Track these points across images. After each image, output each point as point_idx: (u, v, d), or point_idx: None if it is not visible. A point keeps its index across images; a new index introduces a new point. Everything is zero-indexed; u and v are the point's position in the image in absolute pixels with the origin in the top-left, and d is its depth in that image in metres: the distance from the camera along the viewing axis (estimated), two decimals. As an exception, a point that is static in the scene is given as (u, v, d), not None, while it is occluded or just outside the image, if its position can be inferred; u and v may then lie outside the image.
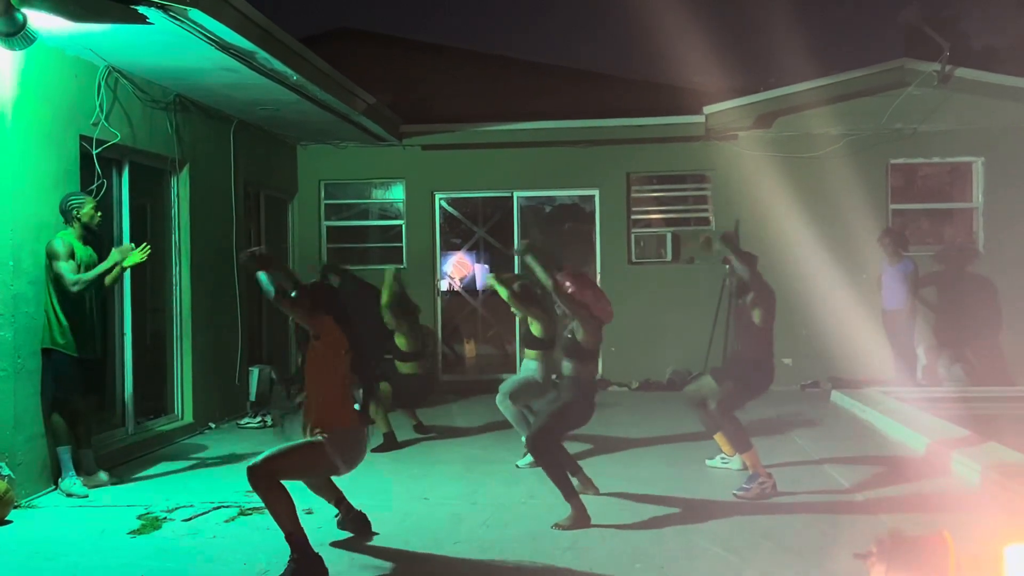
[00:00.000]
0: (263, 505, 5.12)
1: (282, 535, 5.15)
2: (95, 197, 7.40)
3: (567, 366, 6.32)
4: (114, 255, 7.05)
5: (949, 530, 2.88)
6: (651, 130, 12.49)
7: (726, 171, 12.27)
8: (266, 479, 5.08)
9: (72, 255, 6.82)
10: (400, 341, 8.95)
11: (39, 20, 6.25)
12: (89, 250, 7.01)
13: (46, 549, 5.63)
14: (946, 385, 11.01)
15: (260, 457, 5.12)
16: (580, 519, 5.92)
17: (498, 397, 7.89)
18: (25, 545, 5.73)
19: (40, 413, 6.84)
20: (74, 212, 6.93)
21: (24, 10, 6.07)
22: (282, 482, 5.11)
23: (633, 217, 12.79)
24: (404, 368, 8.96)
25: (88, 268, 6.90)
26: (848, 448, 8.09)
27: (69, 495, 6.76)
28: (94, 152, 7.57)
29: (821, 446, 8.21)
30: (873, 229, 11.20)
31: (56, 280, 6.78)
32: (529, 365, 7.98)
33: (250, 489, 5.15)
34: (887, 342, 10.72)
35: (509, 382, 8.01)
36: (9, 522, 6.19)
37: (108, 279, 7.12)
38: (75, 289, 6.75)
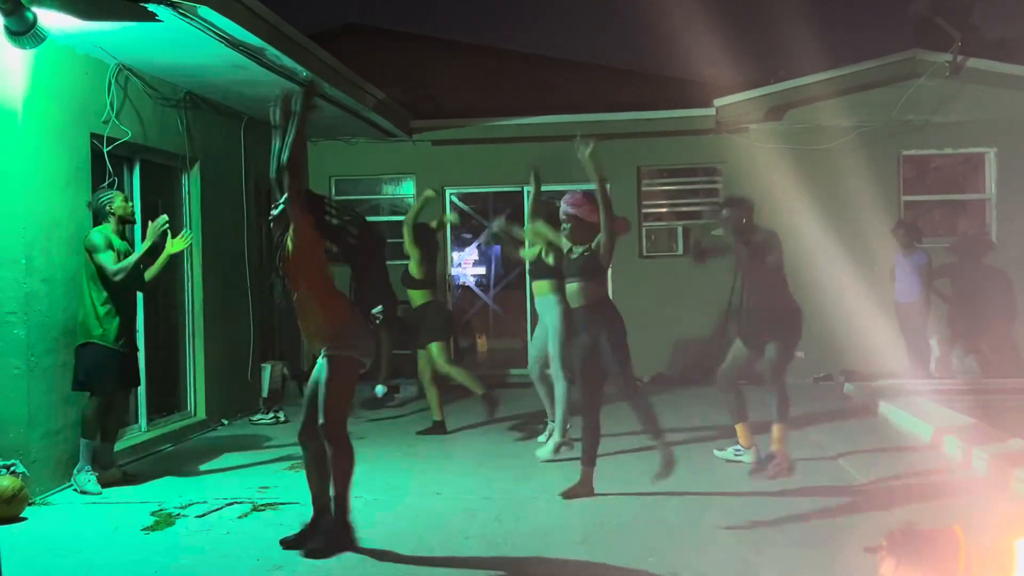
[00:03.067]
0: (274, 502, 5.14)
1: (295, 531, 5.17)
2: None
3: (587, 288, 6.39)
4: (149, 234, 7.07)
5: (960, 524, 2.87)
6: (661, 123, 12.46)
7: (737, 164, 12.23)
8: (341, 429, 5.33)
9: (111, 245, 6.89)
10: (412, 268, 8.99)
11: (49, 19, 6.27)
12: (126, 244, 7.09)
13: (60, 546, 5.66)
14: (960, 377, 10.96)
15: (321, 416, 5.26)
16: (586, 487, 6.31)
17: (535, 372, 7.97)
18: (39, 542, 5.76)
19: (54, 411, 6.87)
20: (107, 207, 6.99)
21: (34, 9, 6.09)
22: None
23: (644, 211, 12.77)
24: (416, 297, 8.98)
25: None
26: (861, 441, 8.07)
27: (82, 492, 6.78)
28: (105, 150, 7.59)
29: (834, 439, 8.19)
30: (885, 221, 11.14)
31: (97, 273, 6.83)
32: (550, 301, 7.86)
33: (264, 485, 5.20)
34: (900, 335, 10.68)
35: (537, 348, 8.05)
36: (24, 519, 6.22)
37: (150, 273, 7.21)
38: (118, 278, 6.82)
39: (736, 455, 7.40)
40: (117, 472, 7.15)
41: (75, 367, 6.90)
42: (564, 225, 6.58)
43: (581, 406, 6.61)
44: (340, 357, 5.37)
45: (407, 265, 9.04)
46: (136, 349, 7.43)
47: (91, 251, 6.87)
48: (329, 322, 5.40)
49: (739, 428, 7.31)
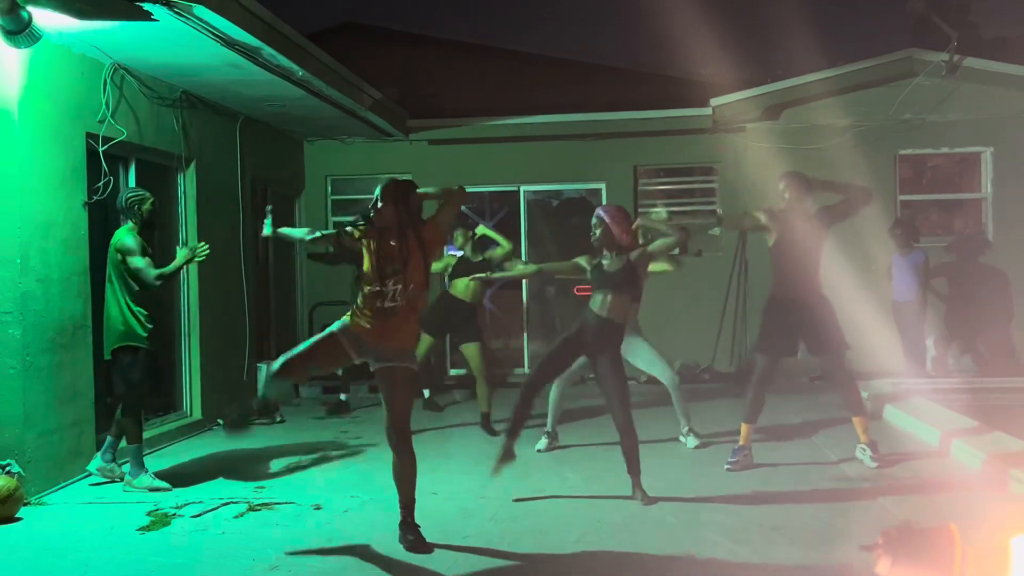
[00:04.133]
0: (270, 502, 5.13)
1: (291, 530, 5.15)
2: (101, 195, 7.47)
3: (611, 300, 6.47)
4: (183, 253, 7.05)
5: (957, 521, 2.87)
6: (658, 123, 12.46)
7: (733, 163, 12.23)
8: (407, 432, 5.44)
9: (146, 250, 6.89)
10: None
11: (44, 18, 6.27)
12: (146, 244, 7.07)
13: (56, 546, 5.65)
14: (956, 376, 10.96)
15: (390, 420, 5.39)
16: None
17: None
18: (35, 542, 5.75)
19: (50, 410, 6.86)
20: (136, 208, 6.96)
21: (30, 8, 6.08)
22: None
23: (640, 210, 12.76)
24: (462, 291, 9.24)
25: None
26: (856, 439, 8.05)
27: (152, 490, 6.81)
28: (100, 149, 7.57)
29: (830, 438, 8.19)
30: (882, 220, 11.12)
31: (131, 276, 6.80)
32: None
33: (260, 484, 5.20)
34: (897, 334, 10.68)
35: None
36: (19, 519, 6.21)
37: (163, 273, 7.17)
38: (158, 284, 6.85)
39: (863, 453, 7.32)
40: (116, 469, 7.16)
41: (120, 372, 6.86)
42: (594, 229, 6.59)
43: (526, 381, 6.68)
44: (408, 368, 5.41)
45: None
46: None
47: (125, 254, 6.81)
48: (413, 335, 5.51)
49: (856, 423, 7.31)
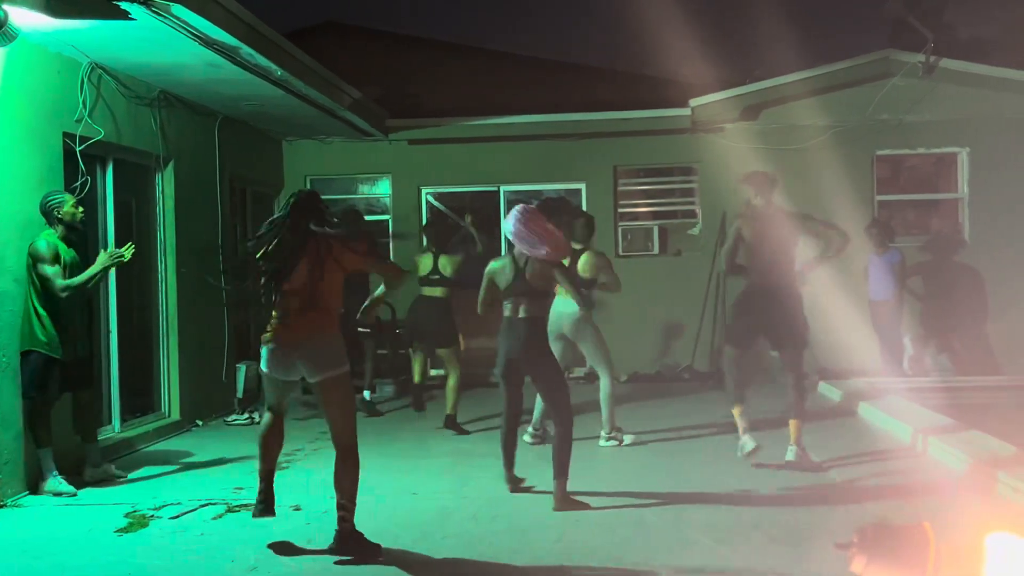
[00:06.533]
0: (249, 503, 5.11)
1: (270, 532, 5.12)
2: (79, 195, 7.34)
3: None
4: (102, 259, 6.86)
5: (932, 519, 2.90)
6: (637, 123, 12.49)
7: (713, 163, 12.27)
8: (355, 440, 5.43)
9: (57, 258, 6.66)
10: (444, 265, 9.17)
11: (20, 16, 6.21)
12: (72, 252, 6.84)
13: (33, 548, 5.60)
14: (933, 375, 11.04)
15: (349, 436, 5.38)
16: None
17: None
18: (11, 544, 5.70)
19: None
20: (55, 212, 6.76)
21: (5, 6, 6.03)
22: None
23: (620, 210, 12.80)
24: (435, 292, 9.13)
25: (72, 270, 6.75)
26: (835, 438, 8.11)
27: (57, 494, 6.70)
28: (78, 149, 7.53)
29: (808, 437, 8.21)
30: (859, 220, 11.19)
31: (40, 281, 6.63)
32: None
33: (238, 486, 5.19)
34: (874, 333, 10.75)
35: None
36: (-5, 521, 6.17)
37: (79, 279, 6.82)
38: (64, 295, 6.62)
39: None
40: (110, 468, 7.13)
41: (20, 373, 6.69)
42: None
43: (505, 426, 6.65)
44: (344, 374, 5.36)
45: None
46: (90, 355, 7.20)
47: (36, 259, 6.63)
48: (337, 341, 5.41)
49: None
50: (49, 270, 6.60)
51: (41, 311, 6.66)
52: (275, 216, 5.50)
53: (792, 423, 7.19)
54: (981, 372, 11.09)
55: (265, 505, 5.53)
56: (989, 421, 7.68)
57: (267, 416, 5.64)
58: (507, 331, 6.39)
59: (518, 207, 6.35)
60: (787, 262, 7.18)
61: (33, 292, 6.67)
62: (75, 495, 6.74)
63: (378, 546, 5.30)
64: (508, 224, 6.27)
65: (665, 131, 12.51)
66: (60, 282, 6.61)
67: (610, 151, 12.67)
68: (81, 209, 6.97)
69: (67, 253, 6.79)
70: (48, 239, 6.70)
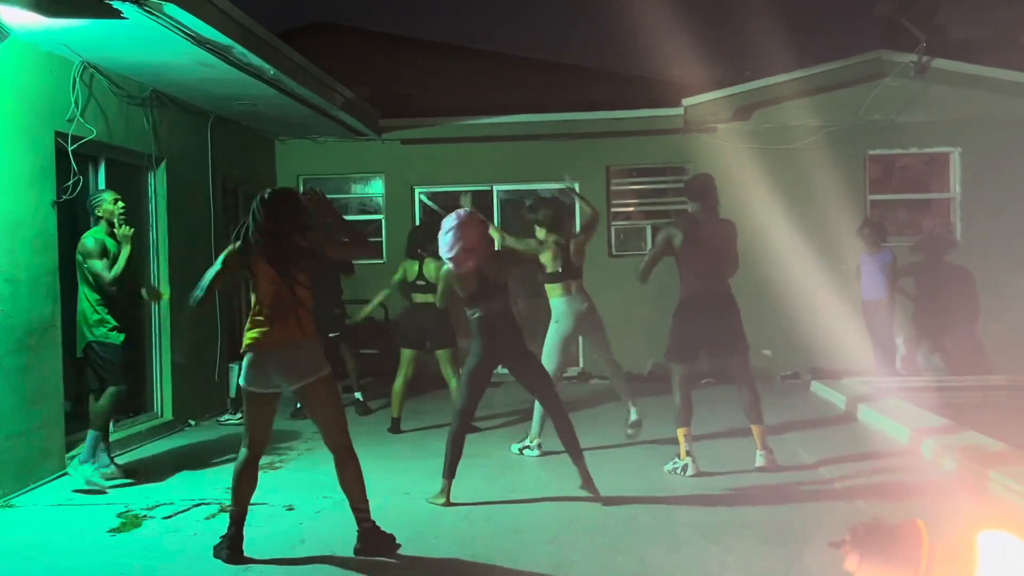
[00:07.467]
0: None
1: (263, 532, 5.10)
2: (71, 194, 7.40)
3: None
4: (124, 242, 7.15)
5: (925, 518, 2.90)
6: (630, 123, 12.50)
7: (705, 163, 12.24)
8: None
9: (105, 252, 7.03)
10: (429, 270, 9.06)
11: (11, 15, 6.21)
12: (116, 246, 7.15)
13: (25, 549, 5.59)
14: (925, 375, 11.08)
15: (344, 436, 5.35)
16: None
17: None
18: (3, 544, 5.68)
19: (18, 412, 6.77)
20: (96, 211, 7.14)
21: (-4, 6, 6.03)
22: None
23: (613, 210, 12.81)
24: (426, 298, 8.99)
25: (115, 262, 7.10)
26: (828, 438, 8.13)
27: (88, 482, 6.79)
28: (70, 149, 7.50)
29: (800, 436, 8.25)
30: (852, 220, 11.25)
31: (93, 277, 6.98)
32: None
33: (230, 486, 5.19)
34: (866, 332, 10.78)
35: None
36: (-14, 522, 6.15)
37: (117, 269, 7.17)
38: (114, 288, 7.01)
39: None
40: (116, 469, 7.13)
41: (90, 367, 7.04)
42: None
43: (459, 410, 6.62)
44: (328, 376, 5.35)
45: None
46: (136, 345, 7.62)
47: (85, 256, 7.00)
48: (317, 344, 5.44)
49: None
50: (98, 265, 6.98)
51: (96, 305, 7.01)
52: (246, 222, 5.30)
53: (754, 429, 7.13)
54: (973, 372, 11.13)
55: (231, 551, 5.23)
56: (981, 420, 7.71)
57: (243, 453, 5.33)
58: (487, 330, 6.43)
59: (459, 211, 6.29)
60: (724, 270, 7.10)
61: (86, 287, 7.02)
62: (106, 493, 6.79)
63: (392, 536, 5.37)
64: (446, 225, 6.22)
65: (658, 131, 12.52)
66: (107, 274, 6.98)
67: (603, 151, 12.67)
68: (121, 204, 7.26)
69: (113, 247, 7.12)
70: (95, 235, 7.08)
